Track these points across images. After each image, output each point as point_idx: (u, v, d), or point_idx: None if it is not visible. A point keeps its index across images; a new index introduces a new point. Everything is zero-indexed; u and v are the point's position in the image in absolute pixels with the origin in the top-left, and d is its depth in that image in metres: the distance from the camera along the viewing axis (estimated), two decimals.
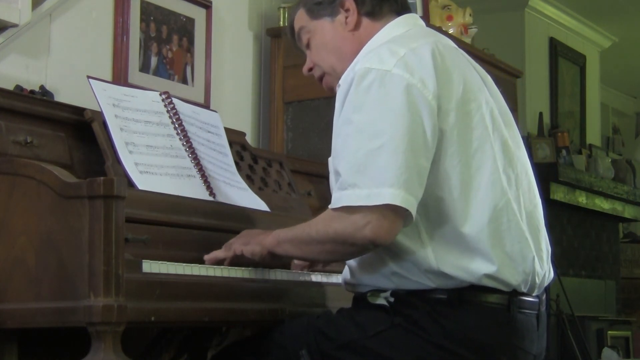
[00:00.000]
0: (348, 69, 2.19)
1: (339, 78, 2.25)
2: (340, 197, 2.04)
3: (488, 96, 2.19)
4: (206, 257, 2.33)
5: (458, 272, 2.06)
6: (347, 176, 2.03)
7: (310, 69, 2.39)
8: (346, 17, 2.28)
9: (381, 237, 2.01)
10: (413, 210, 2.01)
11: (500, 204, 2.09)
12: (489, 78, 2.28)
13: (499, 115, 2.19)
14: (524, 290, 2.13)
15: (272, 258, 2.27)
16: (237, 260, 2.32)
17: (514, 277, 2.09)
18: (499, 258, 2.07)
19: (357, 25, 2.28)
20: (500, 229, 2.09)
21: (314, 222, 2.14)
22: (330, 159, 2.20)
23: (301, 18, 2.35)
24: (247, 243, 2.29)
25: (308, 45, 2.36)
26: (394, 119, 2.02)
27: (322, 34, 2.32)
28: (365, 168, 2.01)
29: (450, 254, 2.06)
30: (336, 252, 2.12)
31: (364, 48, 2.24)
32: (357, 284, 2.20)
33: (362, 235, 2.01)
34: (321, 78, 2.37)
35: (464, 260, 2.06)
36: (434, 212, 2.07)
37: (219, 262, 2.32)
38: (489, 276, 2.07)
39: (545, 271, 2.20)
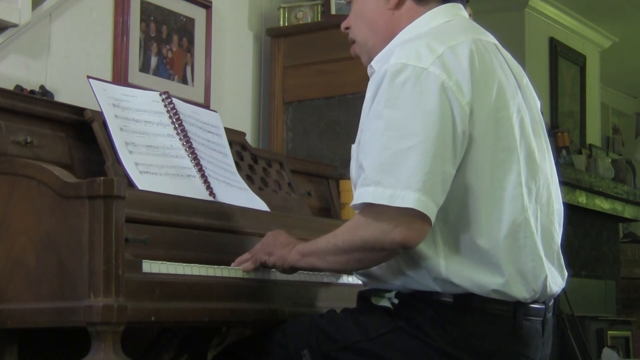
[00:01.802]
0: (382, 52, 2.15)
1: (368, 52, 2.23)
2: (362, 194, 2.00)
3: (521, 102, 2.15)
4: (234, 265, 2.33)
5: (466, 283, 2.03)
6: (371, 173, 1.99)
7: (347, 28, 2.31)
8: None
9: (410, 240, 1.98)
10: (433, 217, 1.98)
11: (519, 220, 2.06)
12: (524, 80, 2.23)
13: (530, 123, 2.15)
14: (530, 301, 2.10)
15: (294, 271, 2.27)
16: (261, 267, 2.32)
17: (521, 294, 2.06)
18: (511, 274, 2.05)
19: (399, 5, 2.20)
20: (516, 244, 2.06)
21: (338, 231, 2.10)
22: (353, 146, 2.16)
23: None
24: (271, 254, 2.27)
25: (351, 3, 2.29)
26: (426, 121, 1.98)
27: (364, 2, 2.25)
28: (391, 168, 1.97)
29: (461, 265, 2.03)
30: (364, 260, 2.08)
31: (400, 34, 2.17)
32: (365, 273, 2.18)
33: (390, 240, 1.98)
34: (352, 43, 2.30)
35: (475, 272, 2.03)
36: (453, 219, 2.04)
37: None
38: (497, 291, 2.04)
39: (558, 288, 2.17)
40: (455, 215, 2.04)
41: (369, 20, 2.24)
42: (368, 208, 2.01)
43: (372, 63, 2.18)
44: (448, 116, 2.00)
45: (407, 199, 1.95)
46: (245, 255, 2.35)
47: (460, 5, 2.24)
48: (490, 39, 2.21)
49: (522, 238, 2.07)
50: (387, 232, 1.98)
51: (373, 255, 2.05)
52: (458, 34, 2.12)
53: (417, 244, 2.00)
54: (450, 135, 2.00)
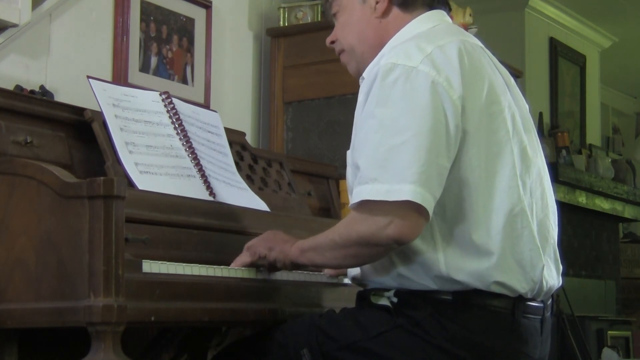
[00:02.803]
0: (373, 61, 2.16)
1: (357, 59, 2.24)
2: (360, 192, 2.01)
3: (510, 100, 2.18)
4: (233, 264, 2.32)
5: (467, 278, 2.04)
6: (367, 170, 2.01)
7: (333, 42, 2.33)
8: (376, 2, 2.23)
9: (405, 235, 1.98)
10: (430, 210, 1.99)
11: (516, 210, 2.08)
12: (512, 81, 2.26)
13: (520, 120, 2.17)
14: (530, 296, 2.11)
15: (294, 267, 2.27)
16: (260, 262, 2.31)
17: (521, 285, 2.08)
18: (510, 265, 2.06)
19: (385, 13, 2.23)
20: (514, 234, 2.07)
21: (336, 227, 2.11)
22: (348, 152, 2.18)
23: None
24: (272, 249, 2.27)
25: (335, 17, 2.31)
26: (418, 116, 2.00)
27: (350, 13, 2.27)
28: (386, 163, 1.99)
29: (460, 259, 2.04)
30: (360, 255, 2.08)
31: (389, 42, 2.20)
32: (362, 278, 2.19)
33: (385, 235, 1.99)
34: (340, 53, 2.32)
35: (474, 265, 2.04)
36: (450, 213, 2.05)
37: (245, 266, 2.31)
38: (497, 283, 2.05)
39: (554, 282, 2.18)
40: (452, 210, 2.05)
41: (357, 30, 2.26)
42: (365, 204, 2.01)
43: (364, 74, 2.19)
44: (440, 111, 2.02)
45: (403, 191, 1.96)
46: (244, 255, 2.34)
47: (443, 12, 2.27)
48: (476, 41, 2.25)
49: (519, 228, 2.08)
50: (382, 227, 1.99)
51: (369, 250, 2.05)
52: (446, 36, 2.15)
53: (412, 240, 2.00)
54: (443, 130, 2.01)
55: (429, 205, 1.98)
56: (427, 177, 1.98)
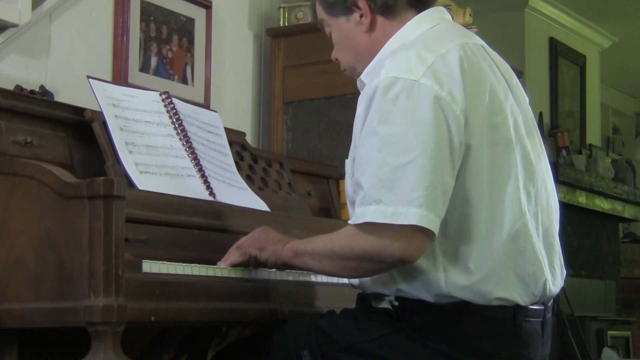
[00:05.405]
0: (371, 64, 2.14)
1: (359, 75, 2.20)
2: (363, 213, 1.98)
3: (513, 103, 2.14)
4: (221, 263, 2.30)
5: (467, 295, 2.02)
6: (371, 191, 1.97)
7: (337, 59, 2.30)
8: (361, 17, 2.18)
9: (409, 255, 1.96)
10: (436, 231, 1.97)
11: (518, 225, 2.05)
12: (514, 80, 2.22)
13: (522, 123, 2.14)
14: (530, 304, 2.10)
15: (286, 268, 2.25)
16: (250, 263, 2.29)
17: (522, 299, 2.06)
18: (511, 280, 2.04)
19: (372, 26, 2.18)
20: (516, 250, 2.05)
21: (336, 237, 2.08)
22: (347, 162, 2.15)
23: (320, 11, 2.26)
24: (263, 249, 2.25)
25: (330, 37, 2.28)
26: (422, 134, 1.96)
27: (340, 32, 2.23)
28: (391, 184, 1.95)
29: (461, 276, 2.02)
30: (361, 269, 2.07)
31: (386, 45, 2.15)
32: (361, 286, 2.18)
33: (390, 253, 1.97)
34: (343, 70, 2.30)
35: (475, 282, 2.02)
36: (452, 230, 2.03)
37: (234, 266, 2.30)
38: (498, 298, 2.04)
39: (557, 289, 2.17)
40: (455, 226, 2.03)
41: (350, 49, 2.23)
42: (369, 224, 1.98)
43: (362, 77, 2.17)
44: (443, 127, 1.98)
45: (410, 215, 1.94)
46: (233, 255, 2.31)
47: (443, 9, 2.22)
48: (477, 40, 2.21)
49: (521, 243, 2.06)
50: (387, 246, 1.97)
51: (371, 265, 2.03)
52: (446, 40, 2.10)
53: (417, 259, 1.99)
54: (447, 147, 1.98)
55: (435, 227, 1.96)
56: (433, 198, 1.95)
